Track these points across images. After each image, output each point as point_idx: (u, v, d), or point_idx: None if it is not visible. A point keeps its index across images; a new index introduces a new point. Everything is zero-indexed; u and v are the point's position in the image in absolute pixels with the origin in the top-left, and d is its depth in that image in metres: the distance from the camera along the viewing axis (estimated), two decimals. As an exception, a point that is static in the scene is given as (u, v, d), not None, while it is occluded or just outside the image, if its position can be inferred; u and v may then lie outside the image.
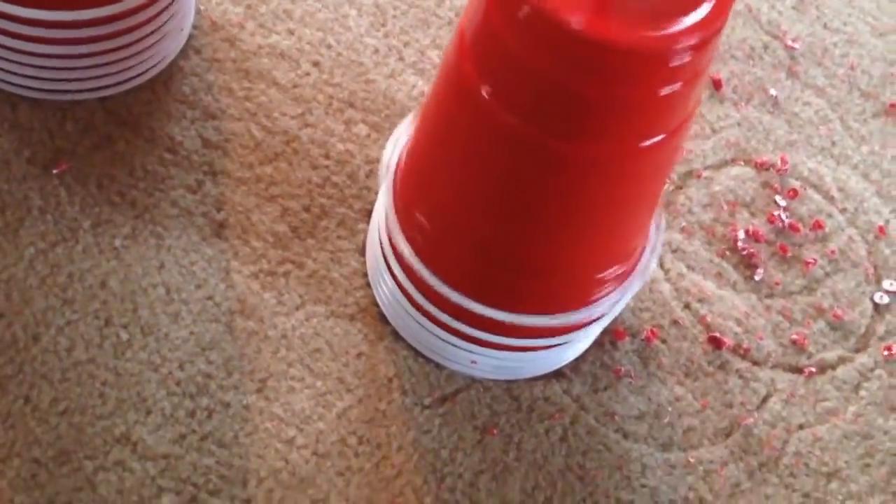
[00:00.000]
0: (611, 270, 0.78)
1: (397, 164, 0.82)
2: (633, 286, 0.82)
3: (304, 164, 0.94)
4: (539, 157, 0.68)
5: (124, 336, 0.83)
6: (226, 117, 0.94)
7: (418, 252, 0.78)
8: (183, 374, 0.82)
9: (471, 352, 0.83)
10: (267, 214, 0.91)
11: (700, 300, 0.95)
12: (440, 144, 0.75)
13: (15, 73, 0.88)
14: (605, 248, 0.77)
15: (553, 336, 0.81)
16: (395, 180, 0.82)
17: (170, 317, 0.84)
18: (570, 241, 0.74)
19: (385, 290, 0.86)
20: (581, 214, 0.72)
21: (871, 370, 0.93)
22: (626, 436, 0.86)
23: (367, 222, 0.91)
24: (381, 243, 0.83)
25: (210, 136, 0.93)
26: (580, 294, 0.79)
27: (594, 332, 0.86)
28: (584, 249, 0.76)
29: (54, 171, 0.89)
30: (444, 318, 0.81)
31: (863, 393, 0.92)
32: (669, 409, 0.88)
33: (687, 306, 0.94)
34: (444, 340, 0.83)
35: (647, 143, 0.67)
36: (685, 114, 0.68)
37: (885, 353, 0.94)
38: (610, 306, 0.81)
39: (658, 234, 0.83)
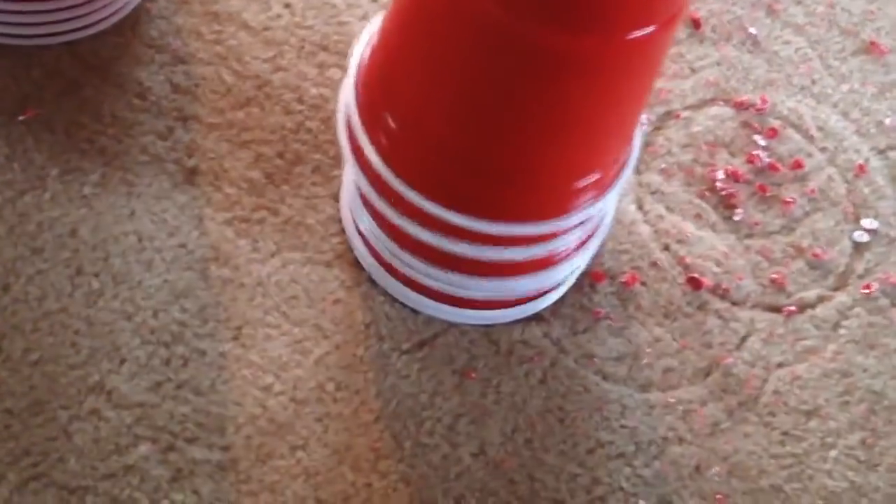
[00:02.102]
0: (589, 178, 0.75)
1: (362, 64, 0.77)
2: (612, 198, 0.79)
3: (276, 109, 0.93)
4: (518, 48, 0.63)
5: (96, 285, 0.81)
6: (195, 61, 0.92)
7: (383, 156, 0.75)
8: (157, 323, 0.81)
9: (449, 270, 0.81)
10: (240, 160, 0.90)
11: (679, 241, 0.94)
12: (410, 36, 0.70)
13: (-23, 19, 0.86)
14: (585, 154, 0.74)
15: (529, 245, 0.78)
16: (359, 80, 0.77)
17: (142, 265, 0.83)
18: (546, 143, 0.70)
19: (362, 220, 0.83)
20: (560, 114, 0.68)
21: (850, 308, 0.93)
22: (605, 377, 0.86)
23: (342, 168, 0.90)
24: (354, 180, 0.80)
25: (180, 81, 0.91)
26: (556, 203, 0.76)
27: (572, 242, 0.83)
28: (561, 154, 0.72)
29: (20, 118, 0.87)
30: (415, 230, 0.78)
31: (842, 331, 0.92)
32: (648, 350, 0.88)
33: (666, 248, 0.94)
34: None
35: (636, 34, 0.63)
36: (676, 6, 0.64)
37: (864, 291, 0.94)
38: (588, 215, 0.78)
39: (640, 144, 0.80)
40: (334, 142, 0.91)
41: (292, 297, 0.84)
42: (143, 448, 0.75)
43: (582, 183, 0.76)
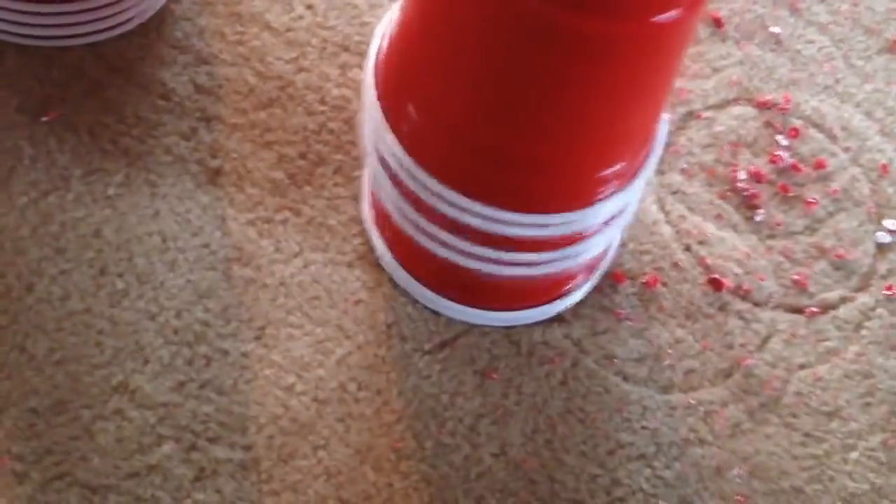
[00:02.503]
0: (613, 168, 0.74)
1: (382, 54, 0.77)
2: (637, 189, 0.78)
3: (299, 109, 0.93)
4: (541, 33, 0.62)
5: (120, 285, 0.82)
6: (218, 62, 0.93)
7: (406, 146, 0.74)
8: (180, 323, 0.81)
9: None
10: (263, 161, 0.90)
11: (700, 242, 0.94)
12: (431, 23, 0.69)
13: (2, 20, 0.87)
14: (609, 144, 0.73)
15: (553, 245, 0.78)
16: (379, 70, 0.77)
17: (166, 265, 0.84)
18: (569, 131, 0.70)
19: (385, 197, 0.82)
20: (584, 102, 0.68)
21: (873, 309, 0.93)
22: (626, 378, 0.86)
23: (363, 168, 0.90)
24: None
25: (203, 82, 0.92)
26: (579, 192, 0.76)
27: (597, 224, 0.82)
28: (585, 142, 0.72)
29: (44, 119, 0.87)
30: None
31: (864, 332, 0.91)
32: (670, 351, 0.88)
33: (687, 248, 0.94)
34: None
35: (662, 17, 0.62)
36: None
37: (887, 291, 0.94)
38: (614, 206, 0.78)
39: (664, 135, 0.80)
40: (356, 143, 0.92)
41: (314, 298, 0.85)
42: (166, 447, 0.76)
43: (606, 172, 0.75)
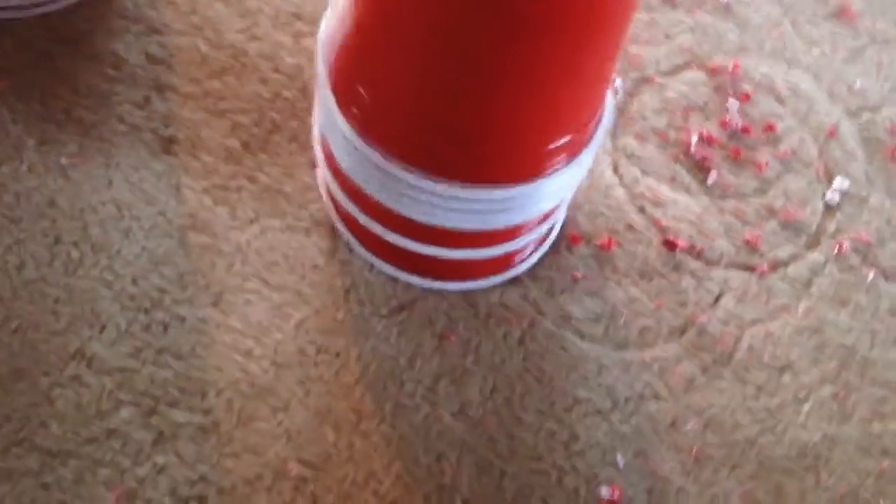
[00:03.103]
0: (561, 139, 0.76)
1: (331, 40, 0.78)
2: (585, 163, 0.80)
3: (252, 77, 0.93)
4: (484, 10, 0.64)
5: (75, 254, 0.82)
6: (170, 32, 0.93)
7: (357, 128, 0.76)
8: (136, 290, 0.81)
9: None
10: (217, 129, 0.90)
11: (654, 204, 0.95)
12: (376, 5, 0.71)
13: (-51, -9, 0.86)
14: (555, 115, 0.75)
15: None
16: (328, 54, 0.78)
17: (121, 233, 0.83)
18: (515, 104, 0.71)
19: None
20: (527, 73, 0.69)
21: (822, 266, 0.94)
22: (582, 337, 0.87)
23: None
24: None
25: (155, 52, 0.92)
26: (529, 165, 0.77)
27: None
28: (532, 115, 0.73)
29: (-5, 89, 0.87)
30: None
31: (814, 289, 0.93)
32: (625, 310, 0.89)
33: (642, 210, 0.95)
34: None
35: None
36: None
37: (836, 249, 0.95)
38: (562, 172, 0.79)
39: (611, 109, 0.81)
40: (311, 110, 0.92)
41: (271, 264, 0.85)
42: (125, 412, 0.76)
43: (555, 145, 0.77)
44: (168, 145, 0.88)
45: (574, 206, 0.93)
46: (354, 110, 0.76)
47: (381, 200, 0.79)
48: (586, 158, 0.80)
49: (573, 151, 0.79)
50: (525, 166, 0.78)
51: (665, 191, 0.96)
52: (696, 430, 0.84)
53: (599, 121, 0.80)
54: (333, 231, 0.88)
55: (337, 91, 0.77)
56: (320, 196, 0.89)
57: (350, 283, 0.86)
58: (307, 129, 0.91)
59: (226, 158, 0.89)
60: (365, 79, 0.74)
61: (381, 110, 0.75)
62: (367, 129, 0.76)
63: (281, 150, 0.90)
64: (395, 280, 0.87)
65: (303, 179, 0.90)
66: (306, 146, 0.91)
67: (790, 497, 0.83)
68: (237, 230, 0.86)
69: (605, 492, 0.80)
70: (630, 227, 0.94)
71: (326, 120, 0.79)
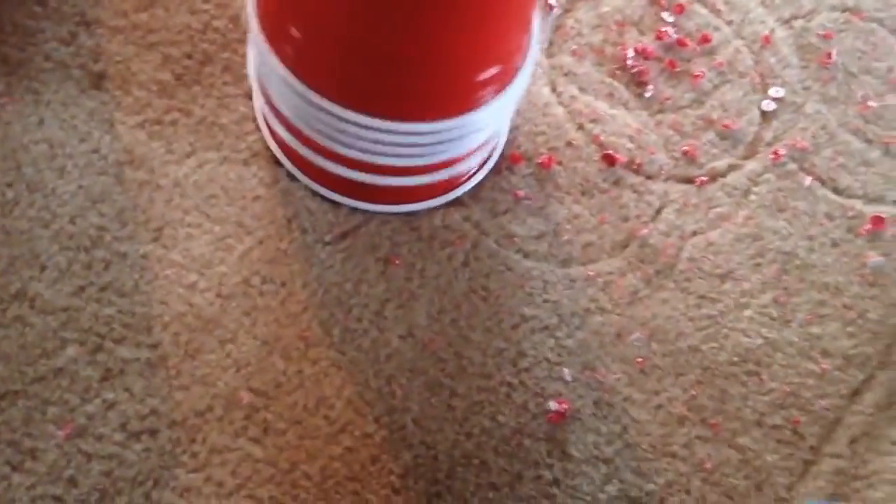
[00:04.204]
0: (491, 71, 0.77)
1: None
2: (518, 86, 0.81)
3: (181, 9, 0.91)
4: None
5: (10, 195, 0.81)
6: (93, -36, 0.90)
7: (291, 67, 0.76)
8: (75, 228, 0.80)
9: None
10: (147, 63, 0.88)
11: (593, 120, 0.96)
12: None
13: None
14: (483, 44, 0.75)
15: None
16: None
17: (55, 172, 0.82)
18: (442, 34, 0.71)
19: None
20: (452, 3, 0.70)
21: (760, 175, 0.96)
22: (526, 255, 0.88)
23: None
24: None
25: (79, -15, 0.89)
26: (460, 97, 0.77)
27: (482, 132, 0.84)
28: (460, 45, 0.73)
29: (-86, 30, 0.84)
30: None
31: (752, 197, 0.94)
32: (568, 226, 0.90)
33: (580, 127, 0.95)
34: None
35: None
36: None
37: (773, 157, 0.97)
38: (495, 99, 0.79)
39: (539, 37, 0.81)
40: (244, 40, 0.91)
41: (211, 196, 0.84)
42: (71, 350, 0.76)
43: (483, 76, 0.77)
44: (98, 81, 0.87)
45: (513, 127, 0.93)
46: (287, 49, 0.75)
47: (317, 139, 0.79)
48: (517, 88, 0.80)
49: (503, 81, 0.79)
50: (456, 99, 0.78)
51: (603, 107, 0.97)
52: (641, 341, 0.86)
53: (528, 49, 0.80)
54: (273, 161, 0.87)
55: (268, 32, 0.76)
56: (258, 127, 0.88)
57: (292, 212, 0.85)
58: (240, 60, 0.90)
59: (158, 92, 0.87)
60: (295, 17, 0.74)
61: (312, 48, 0.74)
62: (300, 68, 0.75)
63: (215, 81, 0.89)
64: (337, 207, 0.86)
65: (239, 110, 0.88)
66: (240, 77, 0.90)
67: (734, 401, 0.85)
68: (174, 164, 0.85)
69: (553, 405, 0.81)
70: (570, 145, 0.94)
71: (260, 60, 0.78)
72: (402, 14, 0.70)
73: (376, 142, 0.78)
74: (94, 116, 0.85)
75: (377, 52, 0.73)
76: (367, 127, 0.76)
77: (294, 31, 0.74)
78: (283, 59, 0.76)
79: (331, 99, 0.75)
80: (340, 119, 0.76)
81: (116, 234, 0.81)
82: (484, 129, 0.82)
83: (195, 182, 0.85)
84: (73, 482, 0.72)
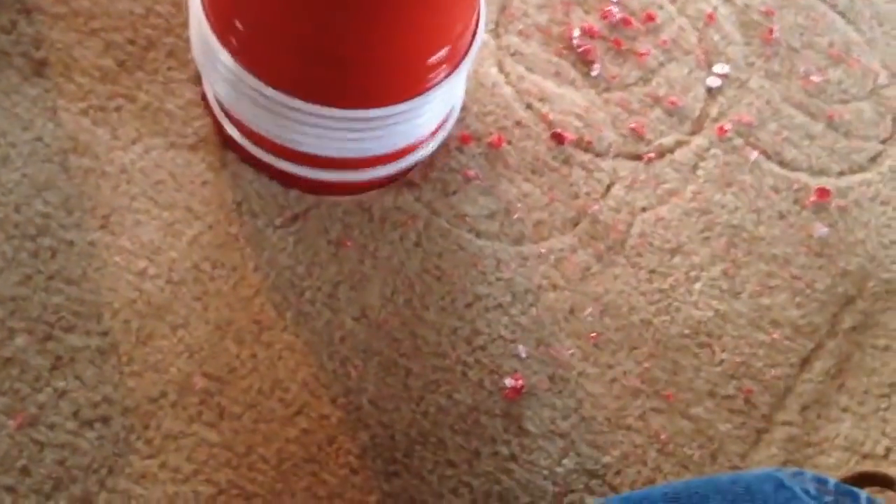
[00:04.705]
0: (440, 54, 0.77)
1: None
2: (463, 75, 0.81)
3: (123, -6, 0.90)
4: None
5: (-49, 184, 0.79)
6: (31, -50, 0.89)
7: (235, 56, 0.75)
8: (20, 217, 0.79)
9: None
10: (89, 49, 0.87)
11: (541, 99, 0.96)
12: None
13: None
14: (431, 27, 0.75)
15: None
16: None
17: (-2, 161, 0.81)
18: (389, 21, 0.72)
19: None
20: None
21: (707, 150, 0.97)
22: (478, 235, 0.88)
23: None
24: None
25: (17, -29, 0.88)
26: (411, 81, 0.78)
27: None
28: (408, 29, 0.74)
29: None
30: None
31: (700, 172, 0.96)
32: (519, 205, 0.90)
33: (529, 106, 0.96)
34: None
35: None
36: None
37: (719, 132, 0.98)
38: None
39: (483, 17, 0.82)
40: (187, 24, 0.90)
41: (158, 182, 0.83)
42: (20, 340, 0.74)
43: (434, 59, 0.77)
44: (40, 68, 0.85)
45: (462, 107, 0.93)
46: (233, 41, 0.74)
47: (262, 130, 0.79)
48: (464, 69, 0.81)
49: (452, 62, 0.79)
50: (407, 83, 0.78)
51: (550, 85, 0.97)
52: (594, 316, 0.86)
53: (476, 28, 0.81)
54: (220, 145, 0.86)
55: (214, 23, 0.75)
56: (204, 112, 0.87)
57: (241, 197, 0.85)
58: (184, 45, 0.89)
59: (101, 78, 0.86)
60: (240, 9, 0.73)
61: (259, 39, 0.74)
62: (246, 59, 0.75)
63: (159, 66, 0.88)
64: (287, 190, 0.86)
65: (184, 96, 0.88)
66: (185, 62, 0.89)
67: (686, 372, 0.86)
68: (120, 150, 0.84)
69: (508, 382, 0.82)
70: (519, 124, 0.94)
71: (205, 54, 0.77)
72: (349, 4, 0.70)
73: (318, 133, 0.78)
74: (36, 104, 0.84)
75: (324, 43, 0.72)
76: (315, 115, 0.76)
77: (238, 23, 0.73)
78: (229, 48, 0.75)
79: (275, 87, 0.75)
80: (285, 107, 0.76)
81: (63, 222, 0.80)
82: (434, 114, 0.83)
83: (142, 168, 0.84)
84: (26, 472, 0.70)
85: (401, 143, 0.83)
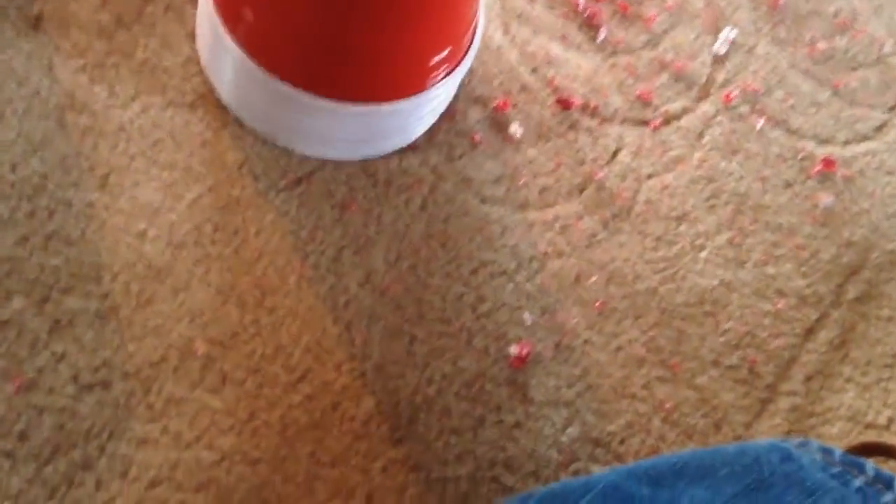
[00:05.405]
0: (443, 54, 0.76)
1: None
2: (465, 66, 0.81)
3: (120, -53, 0.87)
4: None
5: (-56, 141, 0.77)
6: None
7: (244, 45, 0.74)
8: (16, 176, 0.77)
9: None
10: (86, 4, 0.85)
11: (547, 63, 0.94)
12: None
13: None
14: (437, 29, 0.75)
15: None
16: None
17: (-7, 117, 0.78)
18: (398, 23, 0.71)
19: (225, 80, 0.81)
20: None
21: (713, 117, 0.96)
22: (484, 200, 0.87)
23: (196, 4, 0.86)
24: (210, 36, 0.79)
25: (10, -79, 0.85)
26: (415, 79, 0.77)
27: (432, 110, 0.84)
28: (416, 31, 0.73)
29: None
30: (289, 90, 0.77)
31: (706, 139, 0.94)
32: (524, 171, 0.89)
33: (534, 70, 0.94)
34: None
35: None
36: None
37: (725, 99, 0.97)
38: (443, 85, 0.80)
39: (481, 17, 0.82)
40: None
41: (157, 142, 0.81)
42: (17, 302, 0.72)
43: (437, 58, 0.76)
44: (35, 23, 0.83)
45: (469, 70, 0.91)
46: (241, 31, 0.73)
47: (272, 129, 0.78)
48: (465, 65, 0.80)
49: (454, 61, 0.78)
50: (411, 80, 0.77)
51: (556, 50, 0.95)
52: (600, 284, 0.85)
53: (476, 25, 0.80)
54: (220, 105, 0.84)
55: (223, 13, 0.74)
56: (204, 69, 0.85)
57: (243, 158, 0.83)
58: None
59: (98, 34, 0.84)
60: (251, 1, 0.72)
61: (269, 31, 0.73)
62: (254, 50, 0.74)
63: (157, 21, 0.86)
64: (289, 152, 0.84)
65: (183, 52, 0.85)
66: (183, 15, 0.86)
67: (691, 341, 0.85)
68: (118, 109, 0.82)
69: (513, 349, 0.81)
70: (524, 89, 0.93)
71: (214, 41, 0.76)
72: (359, 4, 0.69)
73: (322, 126, 0.77)
74: (32, 60, 0.81)
75: (330, 41, 0.71)
76: (318, 109, 0.75)
77: (248, 14, 0.72)
78: (238, 39, 0.74)
79: (281, 79, 0.74)
80: (290, 99, 0.75)
81: (60, 182, 0.78)
82: (434, 111, 0.82)
83: (140, 127, 0.82)
84: (24, 437, 0.69)
85: (400, 143, 0.83)
